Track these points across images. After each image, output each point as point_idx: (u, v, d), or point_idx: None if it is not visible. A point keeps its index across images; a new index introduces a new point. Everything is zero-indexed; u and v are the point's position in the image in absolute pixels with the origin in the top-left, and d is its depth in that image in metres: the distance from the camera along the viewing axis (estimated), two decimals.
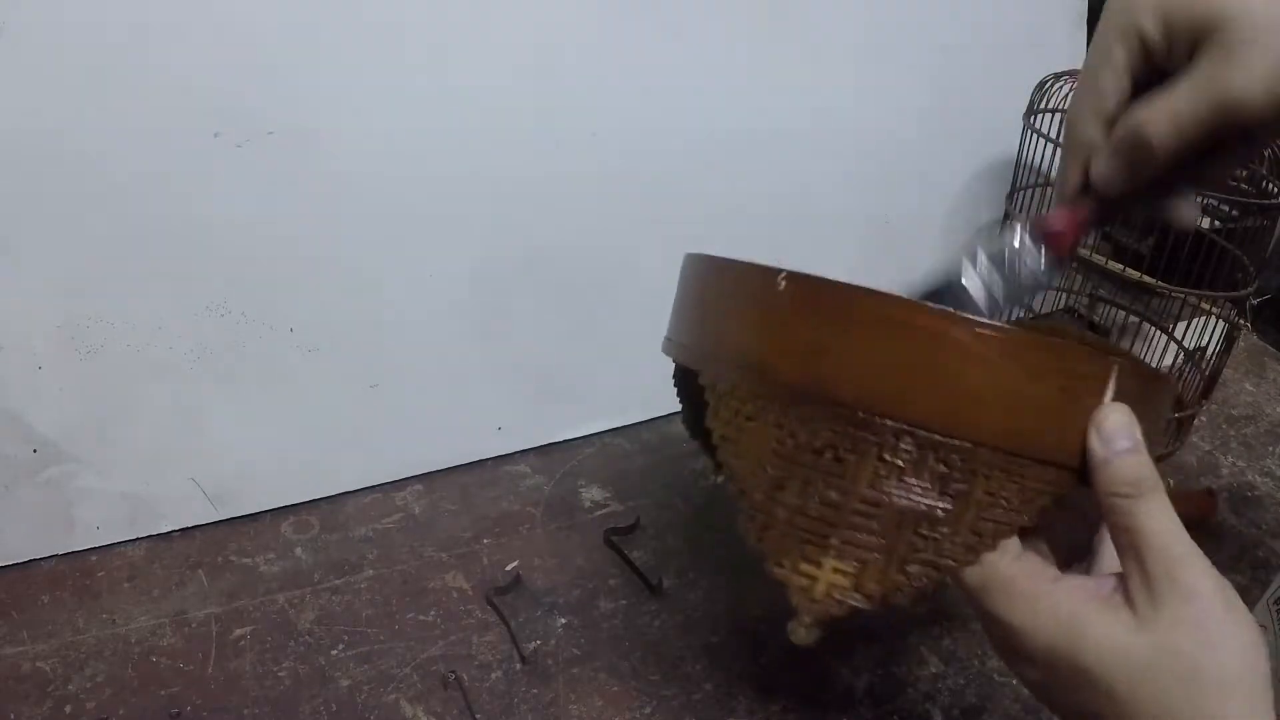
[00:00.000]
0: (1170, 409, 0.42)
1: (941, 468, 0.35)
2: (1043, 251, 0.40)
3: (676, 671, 0.52)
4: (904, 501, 0.35)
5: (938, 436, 0.34)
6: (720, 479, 0.51)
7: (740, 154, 0.69)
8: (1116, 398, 0.35)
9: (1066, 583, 0.35)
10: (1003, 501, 0.35)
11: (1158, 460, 0.35)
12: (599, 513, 0.63)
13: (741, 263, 0.40)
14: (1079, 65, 0.79)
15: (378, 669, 0.51)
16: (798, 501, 0.37)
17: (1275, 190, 0.63)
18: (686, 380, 0.47)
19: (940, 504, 0.35)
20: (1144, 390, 0.36)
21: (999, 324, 0.34)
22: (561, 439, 0.69)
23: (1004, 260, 0.40)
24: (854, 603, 0.36)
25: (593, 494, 0.65)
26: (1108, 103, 0.36)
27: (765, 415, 0.37)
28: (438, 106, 0.61)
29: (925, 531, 0.35)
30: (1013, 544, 0.35)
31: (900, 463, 0.35)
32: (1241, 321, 0.66)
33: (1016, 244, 0.40)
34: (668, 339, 0.46)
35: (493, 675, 0.51)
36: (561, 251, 0.66)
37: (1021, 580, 0.35)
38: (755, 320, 0.38)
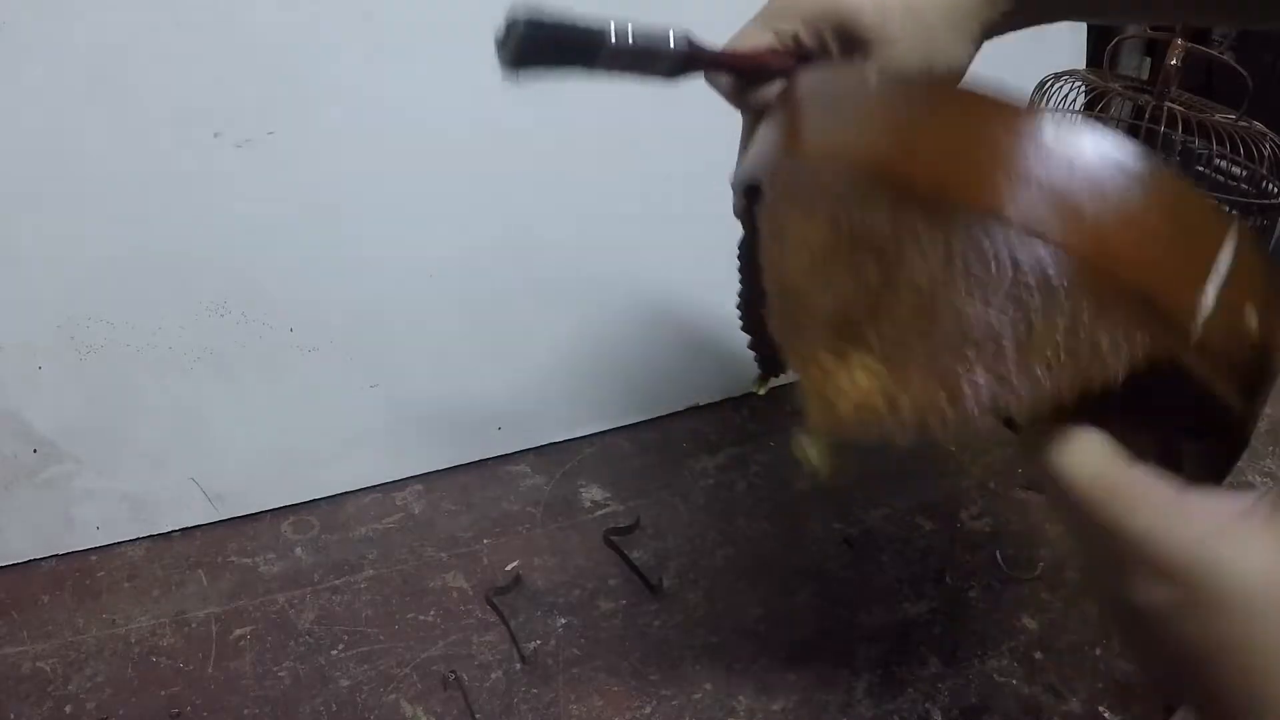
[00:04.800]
0: None
1: (1020, 273, 0.29)
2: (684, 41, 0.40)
3: (676, 671, 0.52)
4: (967, 306, 0.30)
5: (1018, 232, 0.29)
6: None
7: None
8: (1237, 261, 0.30)
9: (1199, 492, 0.30)
10: (1086, 338, 0.29)
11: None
12: (599, 513, 0.63)
13: (838, 66, 0.38)
14: (1079, 65, 0.79)
15: (378, 669, 0.51)
16: (842, 288, 0.32)
17: (1275, 190, 0.63)
18: (747, 200, 0.43)
19: (1010, 318, 0.29)
20: (1270, 279, 0.31)
21: (1120, 139, 0.30)
22: (561, 439, 0.69)
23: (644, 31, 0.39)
24: (881, 419, 0.31)
25: (593, 494, 0.65)
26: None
27: (824, 203, 0.33)
28: (438, 106, 0.61)
29: (987, 345, 0.30)
30: (1107, 440, 0.31)
31: (970, 259, 0.29)
32: None
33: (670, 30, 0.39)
34: (732, 172, 0.43)
35: (493, 675, 0.51)
36: (562, 251, 0.66)
37: (1149, 481, 0.30)
38: (834, 111, 0.35)
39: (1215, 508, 0.30)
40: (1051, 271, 0.29)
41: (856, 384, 0.32)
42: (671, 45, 0.40)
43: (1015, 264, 0.29)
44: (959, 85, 0.33)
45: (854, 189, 0.32)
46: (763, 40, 0.42)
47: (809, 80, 0.38)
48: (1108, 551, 0.31)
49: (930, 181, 0.30)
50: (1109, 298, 0.29)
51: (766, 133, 0.41)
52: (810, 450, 0.33)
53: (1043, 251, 0.29)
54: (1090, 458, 0.31)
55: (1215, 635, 0.29)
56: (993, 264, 0.29)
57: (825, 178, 0.34)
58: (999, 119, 0.30)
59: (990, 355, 0.30)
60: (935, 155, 0.31)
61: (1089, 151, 0.29)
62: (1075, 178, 0.29)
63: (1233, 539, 0.29)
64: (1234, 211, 0.28)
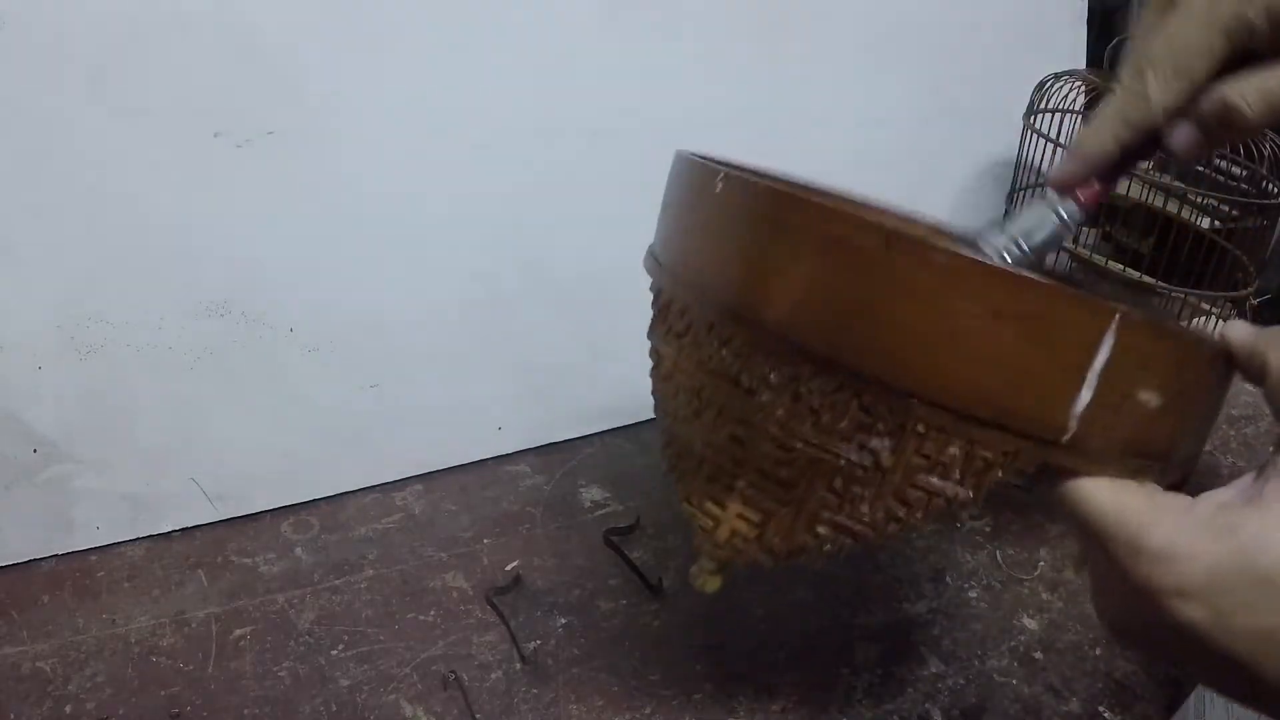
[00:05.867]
0: (1225, 390, 0.34)
1: (865, 416, 0.29)
2: (1074, 209, 0.36)
3: (676, 671, 0.52)
4: (818, 452, 0.30)
5: (864, 378, 0.28)
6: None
7: (740, 154, 0.69)
8: (1120, 357, 0.28)
9: (1203, 497, 0.30)
10: (940, 467, 0.29)
11: (1172, 488, 0.31)
12: (599, 513, 0.63)
13: (693, 159, 0.35)
14: (1079, 65, 0.79)
15: (378, 669, 0.51)
16: (709, 435, 0.32)
17: (1275, 190, 0.63)
18: None
19: (861, 460, 0.30)
20: (1174, 358, 0.29)
21: (954, 249, 0.28)
22: (561, 439, 0.69)
23: (1029, 230, 0.37)
24: (755, 555, 0.32)
25: (593, 494, 0.65)
26: (1195, 76, 0.36)
27: (692, 334, 0.33)
28: (438, 106, 0.61)
29: (840, 489, 0.30)
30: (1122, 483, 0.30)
31: (817, 404, 0.29)
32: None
33: (1049, 209, 0.37)
34: (648, 250, 0.40)
35: (493, 675, 0.51)
36: (561, 251, 0.66)
37: (1162, 502, 0.30)
38: (695, 225, 0.34)
39: (1221, 501, 0.29)
40: (901, 414, 0.29)
41: (726, 520, 0.33)
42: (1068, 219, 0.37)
43: (861, 407, 0.29)
44: (807, 192, 0.31)
45: (706, 319, 0.32)
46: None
47: (678, 175, 0.36)
48: (1143, 579, 0.29)
49: (775, 320, 0.30)
50: (963, 431, 0.28)
51: (659, 225, 0.39)
52: (700, 574, 0.34)
53: (889, 398, 0.28)
54: (1102, 486, 0.30)
55: (1260, 629, 0.28)
56: (838, 408, 0.29)
57: (682, 301, 0.34)
58: (847, 243, 0.28)
59: (848, 499, 0.30)
60: (779, 289, 0.29)
61: (938, 275, 0.27)
62: (923, 308, 0.27)
63: (1247, 522, 0.28)
64: (1118, 304, 0.28)
